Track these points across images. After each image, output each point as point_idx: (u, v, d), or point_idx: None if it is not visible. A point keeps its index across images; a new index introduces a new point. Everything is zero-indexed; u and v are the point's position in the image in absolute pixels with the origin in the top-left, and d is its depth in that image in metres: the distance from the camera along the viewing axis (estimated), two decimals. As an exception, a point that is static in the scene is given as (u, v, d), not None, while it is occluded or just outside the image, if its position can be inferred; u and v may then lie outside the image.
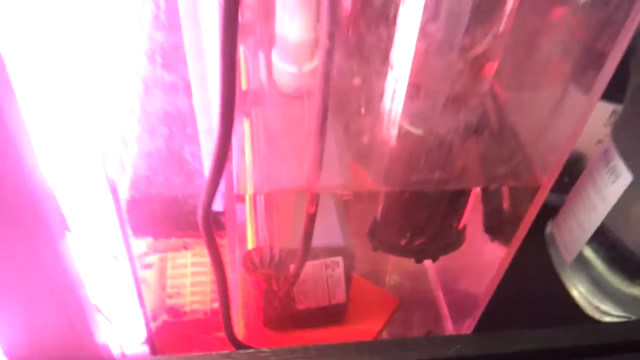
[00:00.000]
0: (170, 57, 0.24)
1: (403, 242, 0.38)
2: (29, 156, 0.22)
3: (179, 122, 0.26)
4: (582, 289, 0.55)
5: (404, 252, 0.40)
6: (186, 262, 0.41)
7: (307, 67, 0.34)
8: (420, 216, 0.38)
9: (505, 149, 0.35)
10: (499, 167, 0.35)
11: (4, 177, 0.22)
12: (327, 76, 0.27)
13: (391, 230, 0.39)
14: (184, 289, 0.41)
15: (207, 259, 0.42)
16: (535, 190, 0.34)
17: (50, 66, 0.22)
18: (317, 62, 0.34)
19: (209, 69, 0.24)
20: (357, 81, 0.35)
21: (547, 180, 0.34)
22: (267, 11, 0.32)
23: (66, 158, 0.25)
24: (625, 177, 0.48)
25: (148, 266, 0.36)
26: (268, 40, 0.33)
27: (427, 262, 0.54)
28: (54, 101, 0.23)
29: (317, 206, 0.33)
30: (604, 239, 0.52)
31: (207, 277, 0.42)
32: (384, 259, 0.54)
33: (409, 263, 0.43)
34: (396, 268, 0.55)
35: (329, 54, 0.25)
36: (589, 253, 0.54)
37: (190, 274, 0.42)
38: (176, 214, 0.31)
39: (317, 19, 0.32)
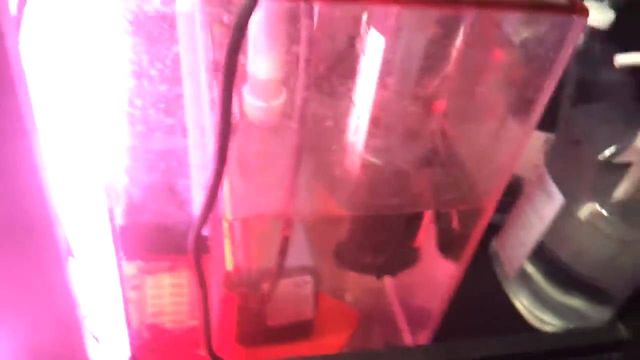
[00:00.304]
0: (172, 104, 0.27)
1: (365, 260, 0.43)
2: (48, 188, 0.26)
3: (174, 159, 0.30)
4: (524, 301, 0.60)
5: (366, 269, 0.44)
6: (166, 282, 0.44)
7: (275, 102, 0.38)
8: (381, 237, 0.42)
9: (453, 176, 0.40)
10: (448, 193, 0.40)
11: (28, 207, 0.25)
12: (303, 120, 0.31)
13: (355, 250, 0.43)
14: (164, 308, 0.44)
15: (185, 280, 0.45)
16: (480, 211, 0.39)
17: (61, 106, 0.25)
18: (284, 98, 0.38)
19: (204, 114, 0.27)
20: (325, 119, 0.39)
21: (490, 203, 0.39)
22: (241, 51, 0.36)
23: (71, 188, 0.28)
24: (557, 200, 0.53)
25: (135, 287, 0.39)
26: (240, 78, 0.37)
27: (385, 279, 0.58)
28: (62, 135, 0.26)
29: (291, 229, 0.36)
30: (542, 255, 0.58)
31: (184, 297, 0.45)
32: (344, 276, 0.58)
33: (367, 280, 0.47)
34: (356, 284, 0.59)
35: (305, 102, 0.29)
36: (529, 268, 0.60)
37: (169, 294, 0.45)
38: (165, 238, 0.35)
39: (284, 59, 0.36)
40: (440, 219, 0.43)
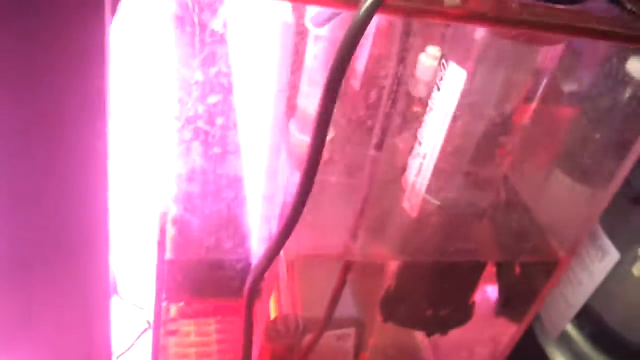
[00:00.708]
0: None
1: (422, 314, 0.39)
2: (110, 224, 0.22)
3: (242, 188, 0.26)
4: (566, 364, 0.56)
5: (419, 324, 0.40)
6: (192, 329, 0.40)
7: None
8: (438, 289, 0.38)
9: (522, 225, 0.37)
10: (516, 243, 0.37)
11: (88, 243, 0.22)
12: (380, 148, 0.28)
13: (408, 303, 0.39)
14: (190, 358, 0.39)
15: (212, 327, 0.41)
16: (553, 266, 0.36)
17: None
18: (332, 134, 0.35)
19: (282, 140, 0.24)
20: (385, 156, 0.36)
21: (567, 256, 0.35)
22: (292, 84, 0.33)
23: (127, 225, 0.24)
24: (612, 256, 0.50)
25: (169, 333, 0.35)
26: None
27: (420, 337, 0.54)
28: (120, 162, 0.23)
29: (349, 274, 0.33)
30: (586, 317, 0.54)
31: (212, 347, 0.41)
32: (372, 330, 0.54)
33: (400, 335, 0.43)
34: (386, 339, 0.55)
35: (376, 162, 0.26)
36: (571, 329, 0.56)
37: (195, 343, 0.40)
38: (214, 278, 0.31)
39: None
40: (504, 273, 0.39)
